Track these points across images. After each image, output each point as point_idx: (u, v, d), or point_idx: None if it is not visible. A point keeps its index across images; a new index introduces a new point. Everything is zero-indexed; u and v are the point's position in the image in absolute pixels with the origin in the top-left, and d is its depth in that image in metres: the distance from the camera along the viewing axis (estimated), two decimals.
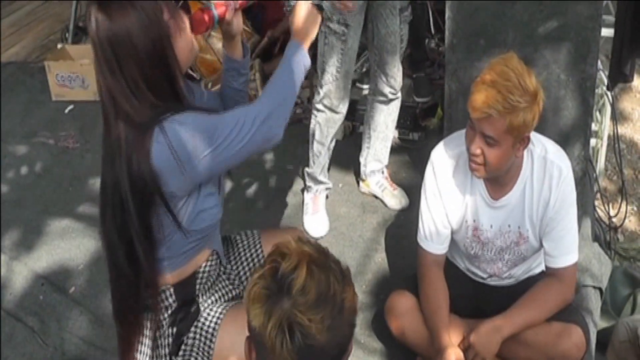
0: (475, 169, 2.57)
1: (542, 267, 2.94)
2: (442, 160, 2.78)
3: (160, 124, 2.13)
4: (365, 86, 4.99)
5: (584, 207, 2.95)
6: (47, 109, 5.38)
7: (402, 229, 3.79)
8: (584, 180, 3.45)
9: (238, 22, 2.45)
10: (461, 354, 2.68)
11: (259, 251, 2.73)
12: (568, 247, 2.72)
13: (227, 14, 2.37)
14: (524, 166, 2.66)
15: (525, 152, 2.63)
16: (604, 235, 3.86)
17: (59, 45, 5.42)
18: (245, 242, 2.76)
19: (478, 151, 2.49)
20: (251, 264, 2.71)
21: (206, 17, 2.33)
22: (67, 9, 6.45)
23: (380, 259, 3.71)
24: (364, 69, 5.23)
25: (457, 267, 3.02)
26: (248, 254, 2.73)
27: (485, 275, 2.94)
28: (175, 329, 2.42)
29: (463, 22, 3.40)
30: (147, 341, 2.43)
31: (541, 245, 2.77)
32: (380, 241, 3.79)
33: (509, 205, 2.71)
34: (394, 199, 3.94)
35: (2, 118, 5.22)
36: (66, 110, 5.34)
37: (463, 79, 3.49)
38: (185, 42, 2.25)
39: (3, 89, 5.54)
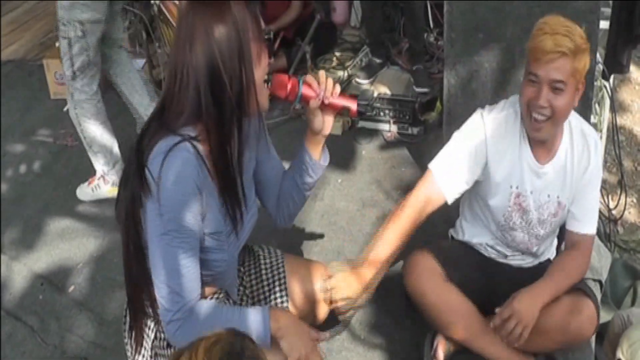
0: (538, 127, 2.59)
1: (548, 255, 3.01)
2: (494, 117, 2.77)
3: (177, 138, 2.10)
4: (365, 81, 4.98)
5: None
6: (46, 107, 5.38)
7: None
8: None
9: (326, 123, 2.35)
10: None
11: (282, 276, 2.67)
12: (594, 217, 2.82)
13: (311, 101, 2.27)
14: (564, 134, 2.72)
15: (565, 123, 2.69)
16: (604, 228, 3.85)
17: (57, 44, 5.39)
18: (267, 261, 2.71)
19: (547, 103, 2.53)
20: (271, 286, 2.67)
21: (289, 84, 2.24)
22: None
23: None
24: (363, 64, 5.23)
25: (476, 251, 3.01)
26: (269, 274, 2.68)
27: (509, 253, 2.95)
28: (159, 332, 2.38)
29: (462, 17, 3.40)
30: (146, 351, 2.42)
31: (567, 214, 2.83)
32: None
33: (551, 172, 2.74)
34: None
35: (1, 116, 5.22)
36: (65, 108, 5.32)
37: (462, 73, 3.49)
38: (257, 76, 2.16)
39: (2, 86, 5.55)
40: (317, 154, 2.42)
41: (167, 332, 2.17)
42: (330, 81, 2.28)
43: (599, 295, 3.13)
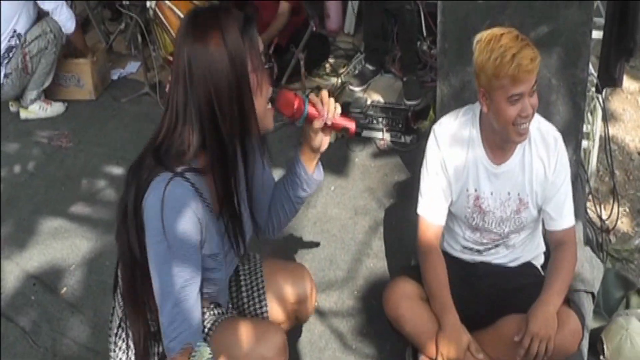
0: (525, 132, 2.67)
1: (530, 257, 3.03)
2: (444, 131, 2.87)
3: (175, 173, 2.12)
4: (358, 89, 5.01)
5: (576, 210, 2.97)
6: None
7: (394, 232, 3.81)
8: (576, 184, 3.47)
9: (324, 141, 2.36)
10: (469, 336, 2.75)
11: (259, 282, 2.69)
12: (569, 209, 2.86)
13: (316, 121, 2.26)
14: None
15: None
16: (596, 237, 3.87)
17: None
18: (246, 267, 2.72)
19: (531, 109, 2.61)
20: (250, 295, 2.69)
21: (295, 102, 2.23)
22: None
23: (372, 263, 3.71)
24: (356, 71, 5.25)
25: (449, 255, 3.03)
26: (248, 281, 2.70)
27: (482, 248, 2.98)
28: (161, 348, 2.39)
29: (454, 26, 3.42)
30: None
31: (538, 213, 2.88)
32: (372, 245, 3.79)
33: (509, 171, 2.81)
34: None
35: None
36: (61, 111, 5.35)
37: (455, 82, 3.52)
38: (259, 104, 2.17)
39: None
40: (312, 168, 2.43)
41: (166, 350, 2.18)
42: (332, 102, 2.29)
43: (591, 307, 3.15)
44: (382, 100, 4.80)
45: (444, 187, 2.88)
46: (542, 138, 2.80)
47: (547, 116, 3.30)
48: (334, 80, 5.24)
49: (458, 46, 3.45)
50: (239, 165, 2.21)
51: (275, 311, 2.69)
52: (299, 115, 2.24)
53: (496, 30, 2.59)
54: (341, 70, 5.35)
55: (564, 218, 2.85)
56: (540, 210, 2.87)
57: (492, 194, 2.84)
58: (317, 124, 2.26)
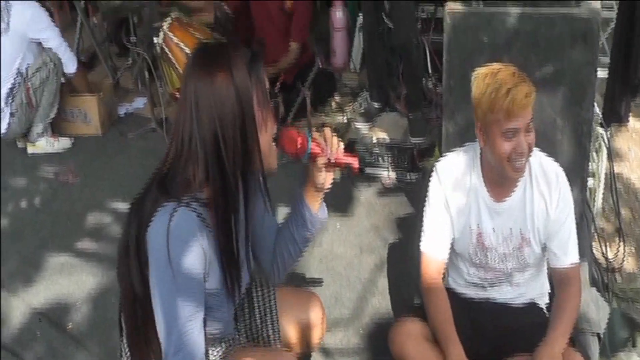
0: (521, 168, 2.68)
1: (533, 296, 3.01)
2: (446, 168, 2.90)
3: (181, 202, 2.13)
4: (364, 126, 5.03)
5: (582, 250, 2.97)
6: None
7: (400, 270, 3.81)
8: (582, 223, 3.47)
9: (327, 179, 2.37)
10: None
11: (273, 308, 2.70)
12: (573, 246, 2.85)
13: (319, 158, 2.27)
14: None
15: None
16: (602, 277, 3.86)
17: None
18: (259, 292, 2.73)
19: (527, 146, 2.62)
20: (264, 320, 2.69)
21: (299, 140, 2.23)
22: (69, 42, 6.47)
23: (377, 301, 3.71)
24: (362, 109, 5.27)
25: (454, 291, 3.04)
26: (261, 307, 2.71)
27: (486, 284, 2.98)
28: None
29: (460, 65, 3.44)
30: None
31: (543, 252, 2.87)
32: (378, 283, 3.79)
33: (511, 208, 2.81)
34: None
35: (1, 150, 5.28)
36: (68, 146, 5.39)
37: (460, 121, 3.53)
38: (264, 141, 2.18)
39: None
40: (316, 207, 2.43)
41: None
42: (335, 139, 2.29)
43: (597, 348, 3.14)
44: (387, 137, 4.81)
45: (446, 223, 2.90)
46: (544, 174, 2.81)
47: (553, 155, 3.30)
48: (339, 117, 5.27)
49: (463, 84, 3.44)
50: (240, 203, 2.22)
51: (286, 336, 2.71)
52: (303, 152, 2.24)
53: (494, 66, 2.63)
54: (347, 108, 5.38)
55: (568, 255, 2.84)
56: (544, 248, 2.86)
57: (494, 230, 2.85)
58: (321, 161, 2.26)
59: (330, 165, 2.31)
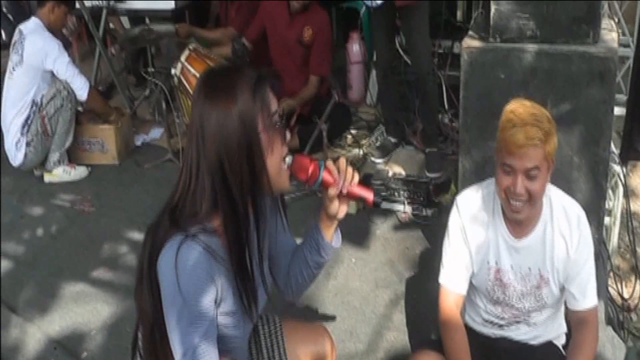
0: (518, 210, 2.65)
1: (551, 337, 2.99)
2: (466, 202, 2.89)
3: (187, 235, 2.12)
4: (379, 160, 5.06)
5: (597, 288, 2.95)
6: None
7: (415, 306, 3.80)
8: (597, 261, 3.46)
9: (341, 208, 2.30)
10: None
11: (280, 343, 2.69)
12: (592, 289, 2.82)
13: (330, 188, 2.22)
14: (544, 209, 2.77)
15: (544, 198, 2.73)
16: (617, 316, 3.84)
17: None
18: (266, 329, 2.72)
19: (523, 190, 2.59)
20: (271, 356, 2.67)
21: (310, 167, 2.20)
22: (87, 72, 6.55)
23: (392, 336, 3.68)
24: (378, 143, 5.30)
25: (470, 328, 3.03)
26: (269, 343, 2.70)
27: (503, 322, 2.96)
28: None
29: (477, 102, 3.47)
30: None
31: (561, 293, 2.84)
32: (393, 318, 3.77)
33: (530, 246, 2.79)
34: None
35: (20, 179, 5.33)
36: (84, 175, 5.43)
37: (477, 157, 3.54)
38: (272, 163, 2.15)
39: None
40: (330, 236, 2.41)
41: None
42: (350, 170, 2.25)
43: None
44: (403, 172, 4.84)
45: (465, 257, 2.89)
46: (565, 215, 2.78)
47: (569, 193, 3.28)
48: (355, 151, 5.29)
49: (480, 121, 3.48)
50: (252, 227, 2.21)
51: None
52: (314, 180, 2.21)
53: (524, 101, 2.63)
54: (363, 142, 5.41)
55: (587, 298, 2.81)
56: (562, 289, 2.83)
57: (512, 267, 2.83)
58: (332, 191, 2.23)
59: (344, 196, 2.28)
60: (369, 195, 2.27)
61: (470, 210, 2.88)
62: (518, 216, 2.68)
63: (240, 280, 2.23)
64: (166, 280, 2.13)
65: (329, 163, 2.23)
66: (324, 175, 2.21)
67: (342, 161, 2.26)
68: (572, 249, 2.76)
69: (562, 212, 2.78)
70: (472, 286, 2.96)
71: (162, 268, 2.14)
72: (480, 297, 2.98)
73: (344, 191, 2.24)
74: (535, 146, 2.51)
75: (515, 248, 2.81)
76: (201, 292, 2.13)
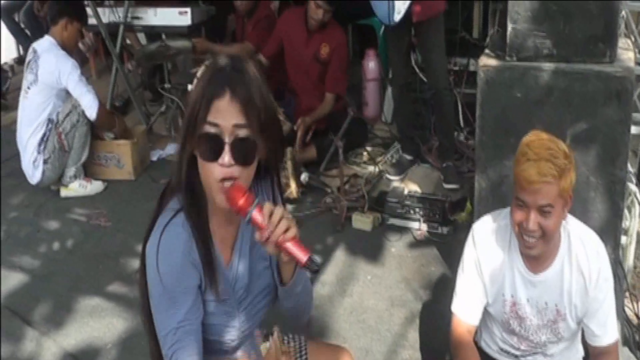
0: (531, 246, 2.60)
1: None
2: (483, 233, 2.84)
3: (171, 215, 2.13)
4: (395, 177, 5.06)
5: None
6: None
7: (431, 324, 3.78)
8: (614, 281, 3.45)
9: (280, 256, 2.09)
10: None
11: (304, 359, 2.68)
12: (612, 325, 2.77)
13: (259, 231, 2.00)
14: (561, 243, 2.71)
15: (562, 231, 2.68)
16: (633, 336, 3.82)
17: None
18: (292, 346, 2.68)
19: (536, 227, 2.54)
20: None
21: (241, 200, 2.00)
22: (104, 88, 6.63)
23: (407, 355, 3.67)
24: (394, 160, 5.31)
25: (486, 354, 3.01)
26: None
27: (519, 353, 2.93)
28: None
29: (493, 121, 3.46)
30: None
31: (578, 326, 2.80)
32: (409, 336, 3.76)
33: (547, 281, 2.74)
34: None
35: (36, 193, 5.37)
36: (100, 189, 5.46)
37: (493, 176, 3.52)
38: (202, 171, 2.06)
39: None
40: (285, 278, 2.24)
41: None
42: (282, 224, 1.99)
43: None
44: (419, 190, 4.85)
45: (478, 288, 2.84)
46: (584, 250, 2.70)
47: (585, 213, 3.31)
48: (371, 168, 5.30)
49: (496, 139, 3.47)
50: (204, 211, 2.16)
51: None
52: (244, 215, 2.01)
53: (541, 134, 2.57)
54: (378, 159, 5.42)
55: (607, 334, 2.76)
56: (579, 322, 2.78)
57: (528, 300, 2.78)
58: (258, 235, 2.01)
59: (271, 245, 2.02)
60: (301, 257, 2.01)
61: (486, 242, 2.82)
62: (532, 252, 2.63)
63: (204, 264, 2.17)
64: (150, 265, 2.12)
65: (266, 206, 2.01)
66: (254, 214, 2.00)
67: (276, 213, 2.01)
68: (590, 285, 2.69)
69: (580, 246, 2.71)
70: (488, 313, 2.92)
71: (147, 253, 2.15)
72: (496, 325, 2.94)
73: (272, 241, 2.00)
74: (548, 183, 2.46)
75: (532, 282, 2.75)
76: (180, 276, 2.11)
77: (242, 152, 2.02)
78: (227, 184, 2.02)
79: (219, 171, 2.01)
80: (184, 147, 2.07)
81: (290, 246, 2.00)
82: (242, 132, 2.00)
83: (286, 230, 1.99)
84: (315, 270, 2.04)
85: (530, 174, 2.46)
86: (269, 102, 2.09)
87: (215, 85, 2.01)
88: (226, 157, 2.00)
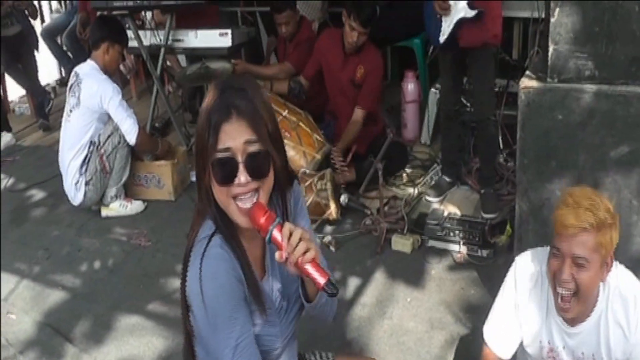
0: (565, 308, 2.55)
1: None
2: (525, 271, 2.77)
3: (209, 236, 2.13)
4: (434, 199, 5.05)
5: None
6: None
7: (470, 347, 3.74)
8: None
9: (301, 276, 2.14)
10: None
11: None
12: None
13: (277, 252, 2.02)
14: (599, 297, 2.64)
15: (601, 289, 2.62)
16: None
17: None
18: None
19: (570, 277, 2.48)
20: None
21: (262, 219, 2.02)
22: (144, 109, 6.72)
23: None
24: (433, 182, 5.29)
25: None
26: None
27: None
28: None
29: (534, 143, 3.44)
30: None
31: None
32: (448, 359, 3.74)
33: (583, 333, 2.68)
34: None
35: (77, 212, 5.45)
36: (140, 209, 5.51)
37: (534, 199, 3.51)
38: (217, 192, 2.08)
39: None
40: (310, 296, 2.26)
41: None
42: (302, 245, 2.00)
43: None
44: (458, 212, 4.82)
45: (513, 326, 2.80)
46: (622, 300, 2.62)
47: (628, 238, 3.28)
48: (410, 190, 5.29)
49: (537, 163, 3.46)
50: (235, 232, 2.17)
51: None
52: (265, 234, 2.02)
53: (585, 187, 2.55)
54: (418, 181, 5.40)
55: None
56: None
57: (564, 347, 2.74)
58: (278, 255, 2.02)
59: (291, 265, 2.04)
60: (319, 280, 2.01)
61: (526, 287, 2.76)
62: (566, 315, 2.60)
63: (245, 276, 2.18)
64: (193, 294, 2.10)
65: (286, 226, 2.02)
66: (274, 233, 2.02)
67: (296, 233, 2.01)
68: (630, 333, 2.62)
69: (618, 298, 2.63)
70: (526, 351, 2.88)
71: (188, 281, 2.13)
72: None
73: (291, 262, 2.02)
74: (584, 230, 2.41)
75: (568, 333, 2.71)
76: (226, 297, 2.10)
77: (257, 166, 2.04)
78: (240, 203, 2.05)
79: (236, 190, 2.04)
80: (201, 176, 2.09)
81: (309, 268, 2.01)
82: (254, 147, 2.02)
83: (305, 251, 2.00)
84: (333, 294, 2.02)
85: (568, 218, 2.42)
86: (272, 112, 2.12)
87: (219, 111, 2.02)
88: (242, 177, 2.02)
